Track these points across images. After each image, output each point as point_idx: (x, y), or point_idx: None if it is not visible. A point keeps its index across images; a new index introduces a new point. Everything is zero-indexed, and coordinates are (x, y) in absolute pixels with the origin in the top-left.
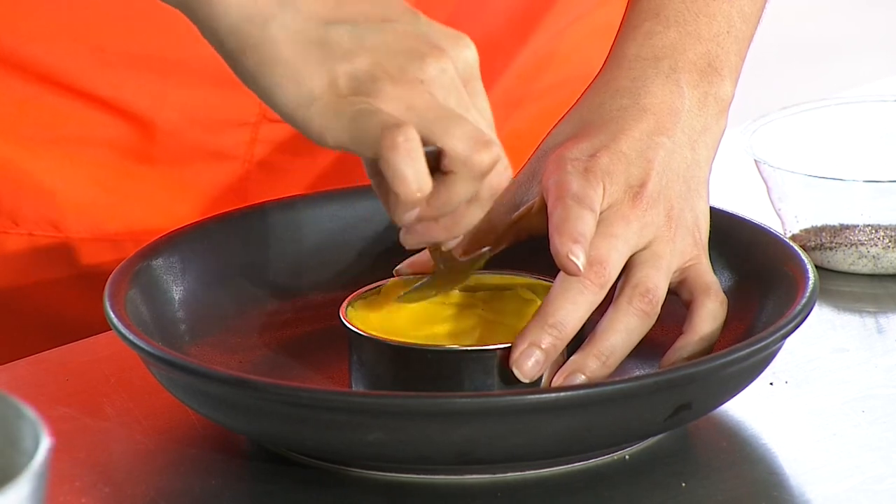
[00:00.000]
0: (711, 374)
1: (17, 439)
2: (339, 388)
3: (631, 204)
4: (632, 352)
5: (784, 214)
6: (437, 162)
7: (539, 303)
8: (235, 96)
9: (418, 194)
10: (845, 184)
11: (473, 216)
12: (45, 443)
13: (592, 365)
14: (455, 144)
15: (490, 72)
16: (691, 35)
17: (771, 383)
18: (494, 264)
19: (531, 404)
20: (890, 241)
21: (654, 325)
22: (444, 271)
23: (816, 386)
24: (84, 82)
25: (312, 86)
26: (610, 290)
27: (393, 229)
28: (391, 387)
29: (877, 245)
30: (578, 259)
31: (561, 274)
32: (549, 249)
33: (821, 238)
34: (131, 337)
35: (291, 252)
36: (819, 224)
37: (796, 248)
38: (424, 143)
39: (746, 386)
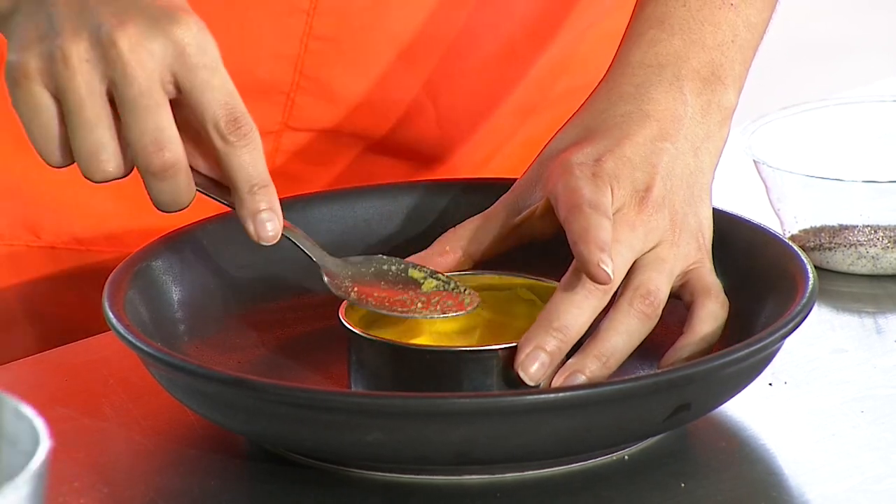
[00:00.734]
0: (711, 374)
1: (17, 439)
2: (339, 389)
3: (637, 209)
4: (632, 352)
5: (783, 215)
6: None
7: (539, 303)
8: (259, 106)
9: None
10: (844, 184)
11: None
12: (45, 443)
13: (593, 366)
14: None
15: (508, 79)
16: (696, 43)
17: (770, 384)
18: (494, 265)
19: (530, 405)
20: (889, 242)
21: (654, 326)
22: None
23: (815, 386)
24: None
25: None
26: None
27: (391, 231)
28: (390, 387)
29: (876, 245)
30: (608, 267)
31: (565, 278)
32: (569, 258)
33: (820, 238)
34: (130, 337)
35: (291, 253)
36: (818, 224)
37: (795, 248)
38: None
39: (745, 386)
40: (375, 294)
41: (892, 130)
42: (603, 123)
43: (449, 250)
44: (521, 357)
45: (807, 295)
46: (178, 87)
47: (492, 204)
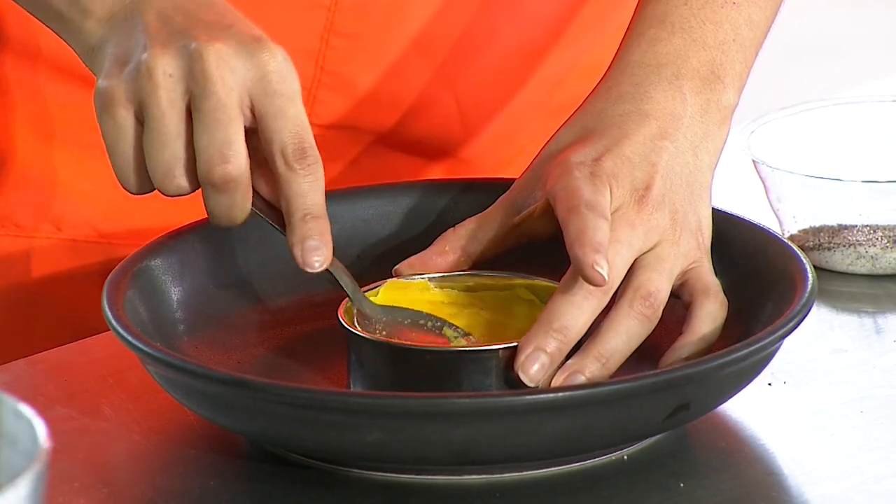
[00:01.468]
0: (710, 374)
1: (17, 439)
2: (338, 389)
3: (636, 208)
4: (631, 353)
5: (782, 215)
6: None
7: (538, 303)
8: None
9: None
10: (844, 184)
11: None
12: (44, 443)
13: (592, 367)
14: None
15: (526, 75)
16: (696, 42)
17: (769, 384)
18: (494, 265)
19: (530, 405)
20: (888, 242)
21: (654, 327)
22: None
23: (815, 386)
24: None
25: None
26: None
27: (391, 231)
28: (390, 387)
29: (875, 245)
30: (602, 269)
31: (564, 278)
32: (568, 258)
33: (819, 238)
34: (129, 337)
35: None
36: (817, 224)
37: (795, 248)
38: None
39: (745, 386)
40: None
41: (892, 130)
42: (602, 123)
43: (448, 250)
44: (521, 358)
45: (806, 295)
46: (253, 114)
47: (491, 204)
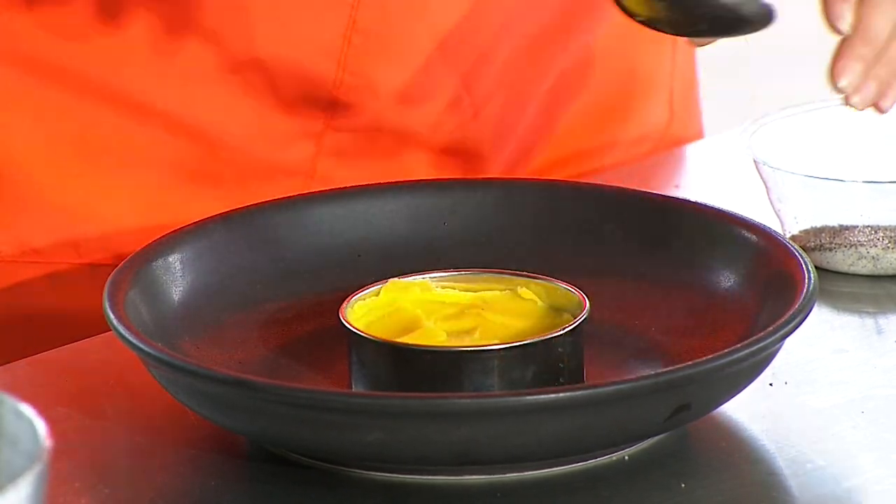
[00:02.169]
0: (711, 374)
1: (17, 440)
2: (339, 389)
3: None
4: (631, 352)
5: (783, 215)
6: None
7: (539, 303)
8: (303, 107)
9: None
10: (845, 185)
11: None
12: (45, 443)
13: (863, 50)
14: None
15: (541, 70)
16: None
17: (770, 384)
18: (494, 265)
19: (530, 405)
20: (889, 242)
21: (653, 325)
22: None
23: (816, 386)
24: (153, 97)
25: None
26: None
27: (392, 231)
28: (391, 387)
29: (876, 246)
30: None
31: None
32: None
33: (820, 239)
34: (130, 338)
35: (291, 252)
36: (818, 225)
37: (796, 248)
38: None
39: (746, 386)
40: None
41: (893, 130)
42: None
43: None
44: (837, 67)
45: (807, 295)
46: None
47: (492, 204)
